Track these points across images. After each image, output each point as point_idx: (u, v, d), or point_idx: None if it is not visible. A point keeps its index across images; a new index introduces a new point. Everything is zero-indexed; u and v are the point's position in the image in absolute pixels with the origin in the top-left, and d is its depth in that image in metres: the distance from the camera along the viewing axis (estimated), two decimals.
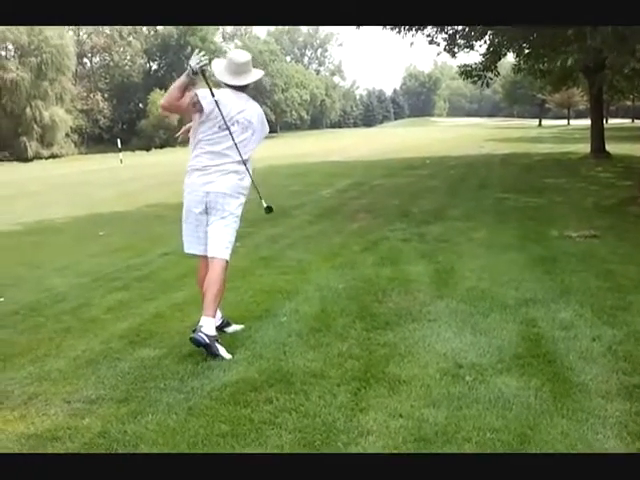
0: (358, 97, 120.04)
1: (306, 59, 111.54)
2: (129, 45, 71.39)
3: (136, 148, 53.94)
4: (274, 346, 3.99)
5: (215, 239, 4.08)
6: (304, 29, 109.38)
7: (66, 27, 63.57)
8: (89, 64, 72.79)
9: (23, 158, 51.56)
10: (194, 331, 3.89)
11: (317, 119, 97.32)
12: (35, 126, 54.66)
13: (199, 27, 69.46)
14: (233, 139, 3.97)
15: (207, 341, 3.80)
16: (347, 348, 3.89)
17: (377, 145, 35.43)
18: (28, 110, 53.99)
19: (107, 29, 70.57)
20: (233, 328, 4.35)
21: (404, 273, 5.76)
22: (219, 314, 4.20)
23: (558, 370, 3.45)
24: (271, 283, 5.64)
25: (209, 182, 4.03)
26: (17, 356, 4.12)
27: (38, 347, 4.27)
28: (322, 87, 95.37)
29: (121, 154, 33.41)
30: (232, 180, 4.05)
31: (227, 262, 4.11)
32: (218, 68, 4.14)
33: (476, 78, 18.10)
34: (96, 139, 64.36)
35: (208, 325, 3.88)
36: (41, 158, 52.95)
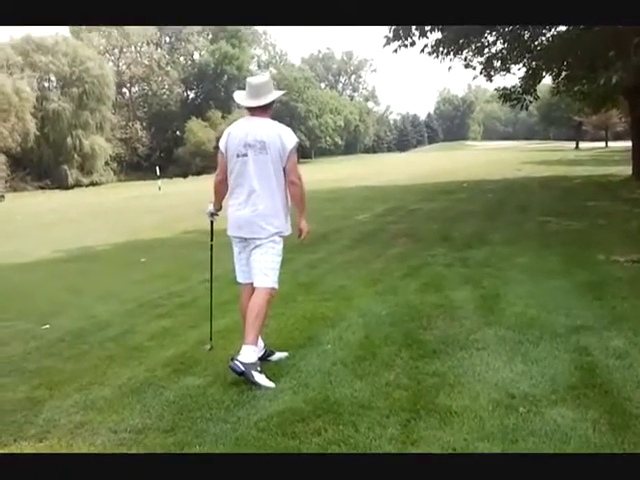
0: (392, 122, 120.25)
1: (340, 85, 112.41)
2: (167, 75, 72.71)
3: (173, 175, 54.67)
4: (319, 375, 3.93)
5: (255, 269, 4.10)
6: (338, 56, 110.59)
7: (106, 58, 65.38)
8: (128, 94, 74.18)
9: (64, 186, 52.56)
10: (232, 359, 3.87)
11: (351, 144, 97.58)
12: (76, 155, 55.75)
13: (235, 55, 70.48)
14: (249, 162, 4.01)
15: (242, 369, 3.77)
16: (394, 377, 3.81)
17: (412, 169, 35.30)
18: (69, 139, 55.14)
19: (146, 60, 72.18)
20: (277, 356, 4.31)
21: (448, 299, 5.66)
22: (261, 344, 4.17)
23: (615, 401, 3.33)
24: (313, 309, 5.60)
25: (241, 227, 4.11)
26: (63, 384, 4.14)
27: (83, 375, 4.29)
28: (356, 113, 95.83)
29: (159, 181, 33.85)
30: (261, 219, 4.05)
31: (273, 289, 4.09)
32: (240, 95, 4.21)
33: (515, 101, 17.97)
34: (135, 167, 65.34)
35: (246, 352, 3.85)
36: (81, 186, 54.01)
